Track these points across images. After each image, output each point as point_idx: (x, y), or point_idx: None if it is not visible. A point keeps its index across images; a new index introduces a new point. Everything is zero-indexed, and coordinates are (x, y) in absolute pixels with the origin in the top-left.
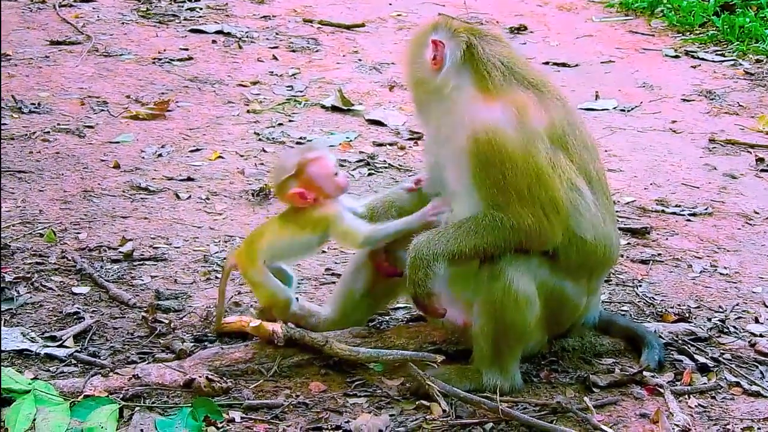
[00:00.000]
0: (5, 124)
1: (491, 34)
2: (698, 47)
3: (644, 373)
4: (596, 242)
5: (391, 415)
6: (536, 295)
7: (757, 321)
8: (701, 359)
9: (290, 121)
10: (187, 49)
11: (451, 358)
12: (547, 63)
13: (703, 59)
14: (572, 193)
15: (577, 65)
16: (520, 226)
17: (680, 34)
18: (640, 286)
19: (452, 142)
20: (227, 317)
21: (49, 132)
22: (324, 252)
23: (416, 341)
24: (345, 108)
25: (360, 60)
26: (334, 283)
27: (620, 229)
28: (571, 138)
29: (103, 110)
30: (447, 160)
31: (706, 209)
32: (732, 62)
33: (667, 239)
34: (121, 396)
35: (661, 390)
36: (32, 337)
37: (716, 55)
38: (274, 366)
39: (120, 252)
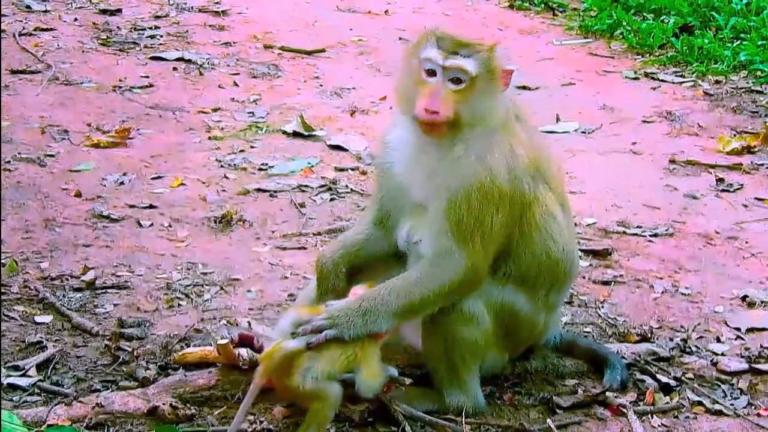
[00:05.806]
0: None
1: None
2: (658, 69)
3: (607, 393)
4: (559, 258)
5: None
6: (484, 312)
7: (718, 340)
8: (664, 379)
9: (252, 147)
10: (147, 77)
11: (415, 382)
12: None
13: (662, 81)
14: (548, 220)
15: (537, 88)
16: (465, 265)
17: (640, 56)
18: (602, 307)
19: (455, 166)
20: (188, 348)
21: (9, 161)
22: (286, 278)
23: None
24: (306, 133)
25: (321, 85)
26: None
27: (582, 250)
28: (550, 164)
29: (64, 139)
30: (434, 182)
31: (667, 230)
32: (691, 83)
33: (628, 260)
34: (85, 425)
35: (624, 410)
36: None
37: (676, 76)
38: (238, 392)
39: (82, 280)
